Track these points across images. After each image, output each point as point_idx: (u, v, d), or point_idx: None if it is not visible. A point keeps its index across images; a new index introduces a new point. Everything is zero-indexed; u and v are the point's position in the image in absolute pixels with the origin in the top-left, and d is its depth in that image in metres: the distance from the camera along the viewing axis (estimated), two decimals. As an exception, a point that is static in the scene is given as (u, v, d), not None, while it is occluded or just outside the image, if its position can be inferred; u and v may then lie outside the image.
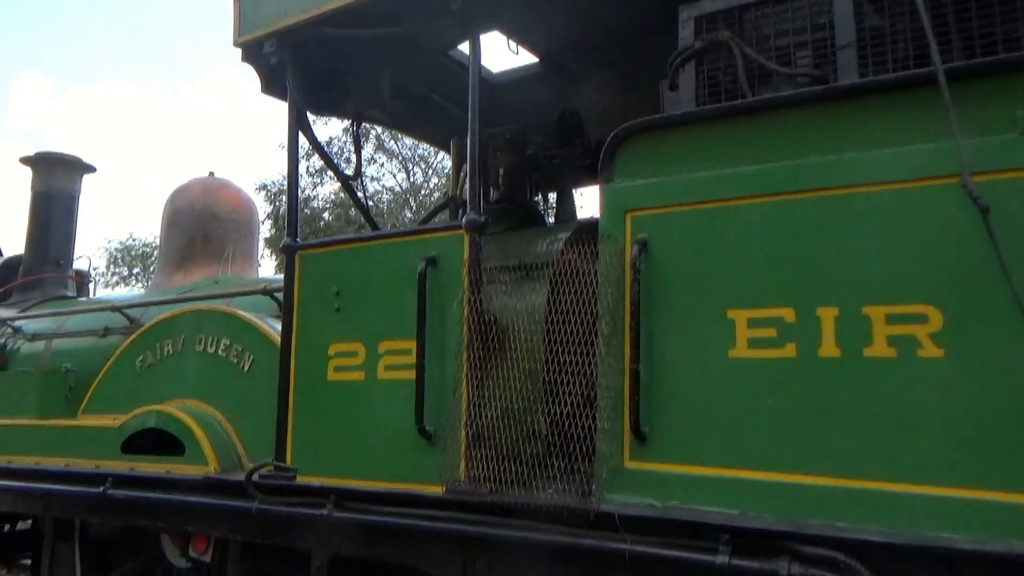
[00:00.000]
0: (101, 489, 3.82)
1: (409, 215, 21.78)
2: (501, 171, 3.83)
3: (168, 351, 4.05)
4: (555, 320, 2.70)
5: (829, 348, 2.15)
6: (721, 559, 2.17)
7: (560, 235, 3.12)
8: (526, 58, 4.06)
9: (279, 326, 3.44)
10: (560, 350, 2.64)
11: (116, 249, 28.13)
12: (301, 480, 3.16)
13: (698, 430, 2.32)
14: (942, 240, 2.06)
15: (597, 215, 2.67)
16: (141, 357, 4.16)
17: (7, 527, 5.81)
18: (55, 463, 4.22)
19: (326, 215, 23.12)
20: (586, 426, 2.47)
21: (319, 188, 23.02)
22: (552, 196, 4.40)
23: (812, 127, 2.30)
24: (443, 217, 4.42)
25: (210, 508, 3.51)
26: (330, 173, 21.35)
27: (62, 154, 6.42)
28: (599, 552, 2.42)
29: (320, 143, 3.96)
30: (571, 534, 2.47)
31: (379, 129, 21.11)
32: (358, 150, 4.28)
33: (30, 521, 5.85)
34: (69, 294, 6.39)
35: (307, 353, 3.25)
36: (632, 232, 2.50)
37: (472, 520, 2.69)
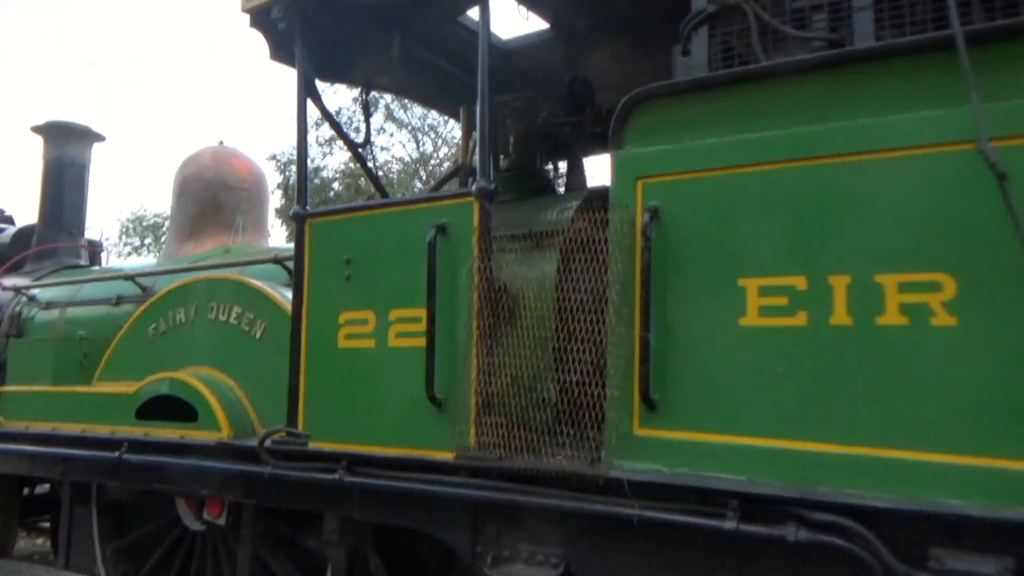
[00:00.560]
0: (117, 454, 3.88)
1: (419, 185, 21.72)
2: (511, 139, 3.81)
3: (180, 319, 4.09)
4: (565, 288, 2.70)
5: (840, 316, 2.14)
6: (729, 524, 2.19)
7: (570, 203, 3.10)
8: (537, 24, 4.01)
9: (290, 294, 3.46)
10: (570, 318, 2.65)
11: (128, 220, 28.28)
12: (313, 446, 3.20)
13: (708, 398, 2.33)
14: (957, 207, 2.04)
15: (607, 184, 2.65)
16: (154, 325, 4.19)
17: (26, 491, 5.92)
18: (71, 429, 4.29)
19: (336, 185, 23.09)
20: (596, 394, 2.48)
21: (328, 158, 22.99)
22: (562, 165, 4.37)
23: (827, 92, 2.26)
24: (453, 185, 4.40)
25: (224, 473, 3.56)
26: (339, 143, 21.30)
27: (72, 123, 6.43)
28: (608, 517, 2.44)
29: (329, 110, 3.93)
30: (580, 499, 2.50)
31: (388, 98, 21.01)
32: (367, 117, 4.24)
33: (48, 485, 5.97)
34: (82, 263, 6.44)
35: (318, 321, 3.27)
36: (643, 199, 2.48)
37: (482, 486, 2.72)
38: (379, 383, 3.05)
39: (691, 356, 2.37)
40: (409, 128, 23.00)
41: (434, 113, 21.24)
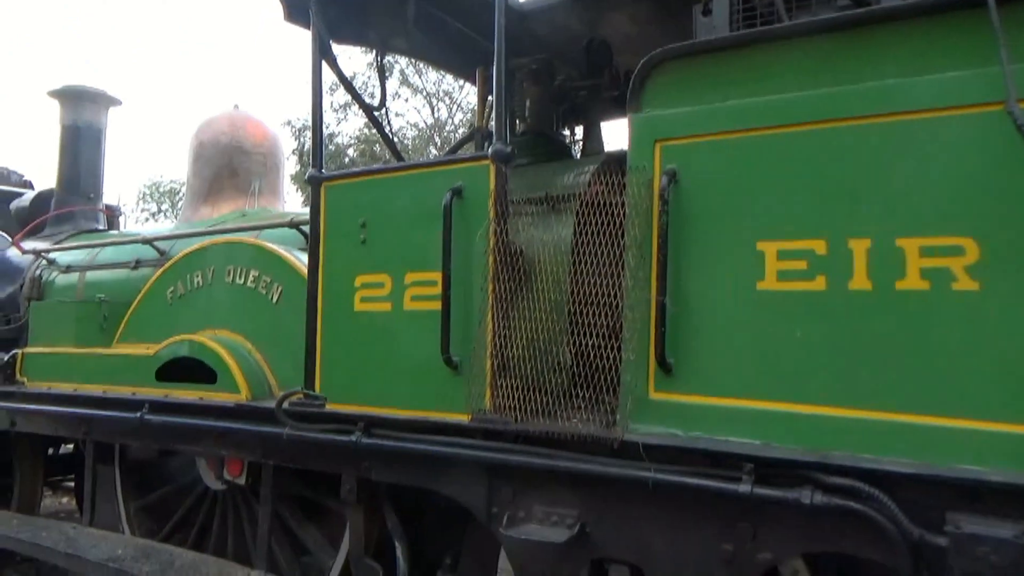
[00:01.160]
0: (139, 415, 3.95)
1: (434, 151, 21.60)
2: (527, 103, 3.77)
3: (198, 283, 4.12)
4: (581, 252, 2.69)
5: (860, 281, 2.13)
6: (744, 487, 2.20)
7: (587, 167, 3.08)
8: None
9: (306, 258, 3.47)
10: (586, 282, 2.64)
11: (145, 186, 28.42)
12: (330, 408, 3.23)
13: (724, 362, 2.33)
14: (982, 170, 2.00)
15: (624, 149, 2.63)
16: (172, 288, 4.23)
17: (51, 450, 6.05)
18: (93, 389, 4.36)
19: (350, 151, 23.03)
20: (611, 357, 2.49)
21: (343, 124, 22.89)
22: (579, 130, 4.32)
23: (850, 53, 2.22)
24: (469, 149, 4.37)
25: (243, 434, 3.62)
26: (354, 109, 21.18)
27: (88, 87, 6.43)
28: (623, 480, 2.46)
29: (344, 73, 3.90)
30: (596, 462, 2.52)
31: (403, 63, 20.83)
32: (382, 80, 4.20)
33: (72, 445, 6.10)
34: (100, 227, 6.49)
35: (334, 284, 3.28)
36: (661, 162, 2.46)
37: (498, 448, 2.75)
38: (395, 346, 3.07)
39: (708, 320, 2.36)
40: (424, 94, 22.83)
41: (449, 79, 21.07)
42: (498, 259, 2.76)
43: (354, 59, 23.70)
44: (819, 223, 2.20)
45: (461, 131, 21.25)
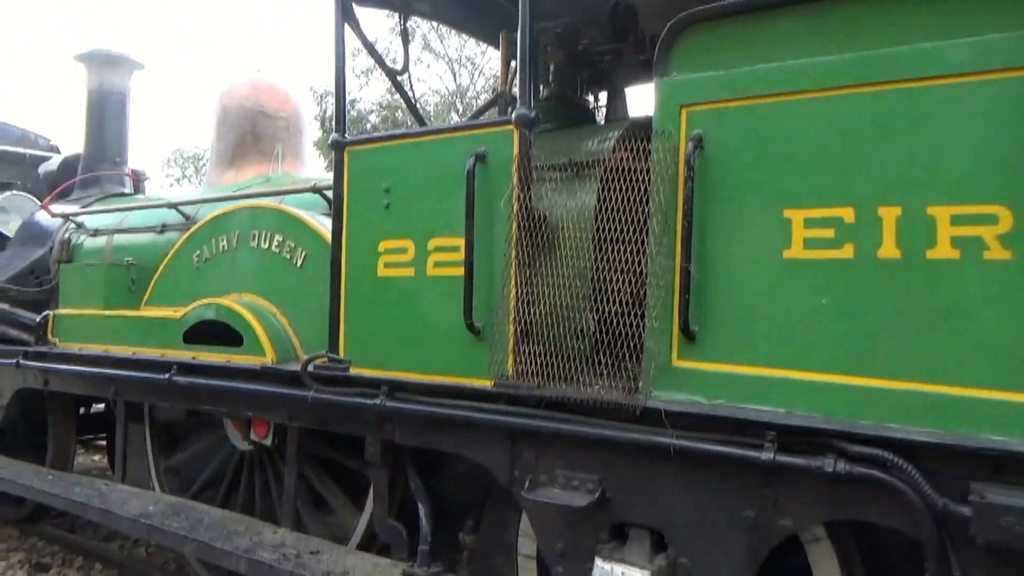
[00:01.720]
0: (167, 376, 4.02)
1: (456, 117, 21.48)
2: (551, 67, 3.72)
3: (224, 247, 4.16)
4: (605, 219, 2.67)
5: (889, 249, 2.09)
6: (766, 455, 2.21)
7: (611, 133, 3.04)
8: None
9: (329, 223, 3.49)
10: (609, 248, 2.63)
11: (170, 152, 28.62)
12: (354, 371, 3.27)
13: (748, 330, 2.31)
14: (1017, 136, 1.95)
15: (649, 115, 2.59)
16: (198, 252, 4.28)
17: (82, 410, 6.20)
18: (123, 351, 4.45)
19: (372, 117, 22.97)
20: (634, 324, 2.48)
21: (365, 90, 22.80)
22: (603, 95, 4.27)
23: (884, 15, 2.15)
24: (492, 114, 4.34)
25: (268, 396, 3.68)
26: (376, 74, 21.06)
27: (112, 51, 6.45)
28: (645, 446, 2.47)
29: (366, 37, 3.87)
30: (618, 428, 2.53)
31: (425, 28, 20.62)
32: (405, 43, 4.16)
33: (103, 405, 6.24)
34: (127, 191, 6.56)
35: (357, 249, 3.30)
36: (687, 128, 2.42)
37: (520, 413, 2.77)
38: (418, 311, 3.09)
39: (732, 288, 2.34)
40: (446, 60, 22.64)
41: (471, 44, 20.85)
42: (521, 225, 2.76)
43: (376, 26, 23.55)
44: (848, 191, 2.16)
45: (483, 98, 21.07)
